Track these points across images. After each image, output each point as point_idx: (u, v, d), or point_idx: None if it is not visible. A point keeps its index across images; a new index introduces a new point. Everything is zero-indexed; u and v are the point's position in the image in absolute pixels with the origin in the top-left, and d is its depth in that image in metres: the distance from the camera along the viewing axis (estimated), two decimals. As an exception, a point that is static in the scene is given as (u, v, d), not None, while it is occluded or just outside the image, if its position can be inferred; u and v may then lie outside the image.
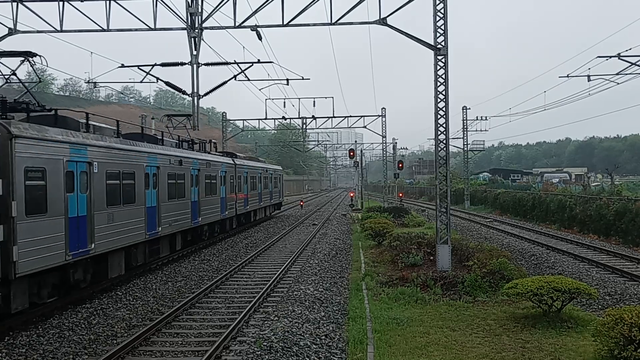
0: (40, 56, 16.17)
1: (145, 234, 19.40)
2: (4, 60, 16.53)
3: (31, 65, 16.44)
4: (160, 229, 20.73)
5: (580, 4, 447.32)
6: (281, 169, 56.09)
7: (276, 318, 13.01)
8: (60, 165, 14.11)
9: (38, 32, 20.19)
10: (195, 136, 29.93)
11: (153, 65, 23.32)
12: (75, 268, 15.14)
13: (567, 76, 31.99)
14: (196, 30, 18.65)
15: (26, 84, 16.01)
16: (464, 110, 58.43)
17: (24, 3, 19.48)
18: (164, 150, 21.93)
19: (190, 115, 31.26)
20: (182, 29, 19.18)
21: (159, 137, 23.11)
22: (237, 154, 39.46)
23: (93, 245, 15.59)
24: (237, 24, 19.57)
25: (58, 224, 13.91)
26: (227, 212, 30.90)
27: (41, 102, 15.70)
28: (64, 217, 14.22)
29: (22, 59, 16.00)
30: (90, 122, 16.71)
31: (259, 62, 25.29)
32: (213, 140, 35.40)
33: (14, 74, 16.17)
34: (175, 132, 27.38)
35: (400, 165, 56.21)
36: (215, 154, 31.82)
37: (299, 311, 13.60)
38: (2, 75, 16.14)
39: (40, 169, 13.31)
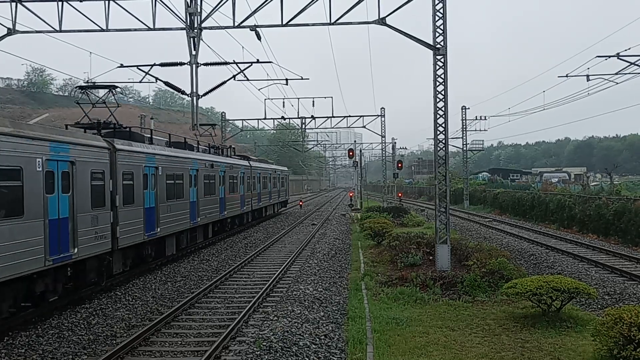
0: (119, 87, 21.79)
1: (190, 223, 24.13)
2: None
3: (113, 95, 21.12)
4: (199, 219, 25.38)
5: (581, 4, 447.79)
6: (287, 169, 59.56)
7: (275, 318, 13.00)
8: (140, 170, 18.98)
9: (37, 32, 20.17)
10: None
11: (152, 65, 23.31)
12: (147, 246, 20.03)
13: (566, 76, 32.02)
14: (195, 30, 18.63)
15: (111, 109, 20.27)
16: (463, 110, 58.45)
17: (23, 3, 19.46)
18: (201, 156, 26.83)
19: (215, 124, 39.62)
20: (181, 29, 19.17)
21: (194, 145, 27.98)
22: (251, 157, 43.59)
23: (159, 229, 20.44)
24: (236, 24, 19.56)
25: (139, 212, 18.79)
26: (245, 208, 35.67)
27: (116, 120, 20.11)
28: (142, 208, 19.04)
29: (108, 90, 20.99)
30: (152, 136, 21.89)
31: (258, 62, 25.30)
32: (232, 146, 40.12)
33: (103, 102, 20.44)
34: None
35: (400, 165, 56.30)
36: (235, 158, 36.69)
37: (299, 311, 13.60)
38: (90, 101, 20.32)
39: (130, 172, 18.10)
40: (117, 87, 21.05)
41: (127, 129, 20.12)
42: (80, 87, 21.15)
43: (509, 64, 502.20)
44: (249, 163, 38.31)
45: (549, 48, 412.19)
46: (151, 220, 19.73)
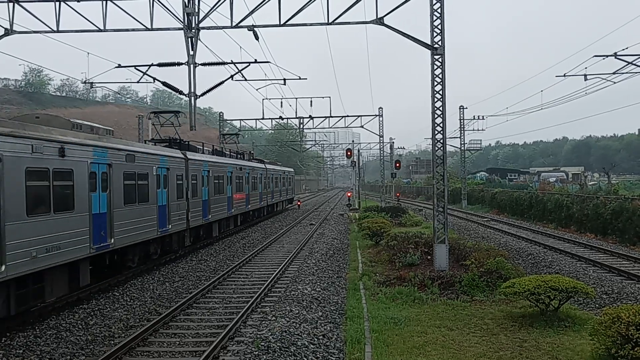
0: (182, 113, 28.56)
1: (227, 213, 30.92)
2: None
3: (177, 118, 28.14)
4: (233, 210, 32.10)
5: (579, 4, 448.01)
6: (293, 170, 66.56)
7: (274, 318, 13.00)
8: (200, 173, 25.76)
9: (34, 32, 20.11)
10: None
11: (150, 66, 23.27)
12: (202, 228, 26.86)
13: (564, 75, 32.05)
14: (193, 30, 18.60)
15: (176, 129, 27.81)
16: (461, 110, 58.48)
17: (21, 3, 19.41)
18: (233, 161, 33.63)
19: (239, 134, 47.71)
20: (179, 29, 19.14)
21: (226, 152, 35.74)
22: (264, 160, 50.55)
23: (210, 216, 27.16)
24: (233, 24, 19.53)
25: (199, 203, 25.52)
26: (262, 203, 42.44)
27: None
28: (201, 199, 25.79)
29: (172, 114, 28.61)
30: (204, 147, 30.04)
31: (256, 62, 25.27)
32: (251, 151, 49.11)
33: (172, 124, 27.94)
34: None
35: (398, 164, 56.36)
36: (254, 161, 43.69)
37: (297, 311, 13.59)
38: (159, 122, 28.42)
39: (195, 175, 24.82)
40: (180, 112, 29.01)
41: (187, 143, 26.42)
42: (154, 112, 29.01)
43: (508, 64, 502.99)
44: (264, 166, 44.96)
45: (547, 48, 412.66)
46: (205, 209, 26.44)
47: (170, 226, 21.52)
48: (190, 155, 24.71)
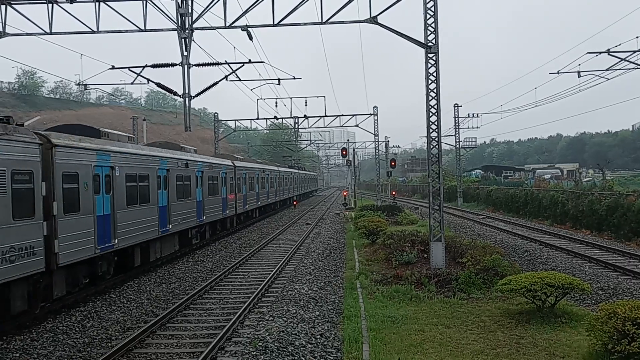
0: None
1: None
2: None
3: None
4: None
5: (575, 2, 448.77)
6: (315, 173, 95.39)
7: (271, 318, 12.98)
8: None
9: (27, 34, 20.03)
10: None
11: (144, 67, 23.20)
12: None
13: (558, 72, 32.18)
14: (186, 31, 18.56)
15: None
16: (456, 108, 58.60)
17: (13, 5, 19.34)
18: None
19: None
20: (173, 29, 19.09)
21: (297, 166, 57.97)
22: (303, 165, 73.60)
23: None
24: (227, 24, 19.50)
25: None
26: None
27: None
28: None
29: None
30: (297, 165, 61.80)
31: (250, 62, 25.21)
32: (302, 166, 77.77)
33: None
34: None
35: (393, 163, 56.46)
36: (305, 171, 67.75)
37: (294, 311, 13.58)
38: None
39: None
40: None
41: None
42: None
43: (505, 62, 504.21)
44: (300, 170, 67.62)
45: (543, 46, 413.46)
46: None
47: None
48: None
